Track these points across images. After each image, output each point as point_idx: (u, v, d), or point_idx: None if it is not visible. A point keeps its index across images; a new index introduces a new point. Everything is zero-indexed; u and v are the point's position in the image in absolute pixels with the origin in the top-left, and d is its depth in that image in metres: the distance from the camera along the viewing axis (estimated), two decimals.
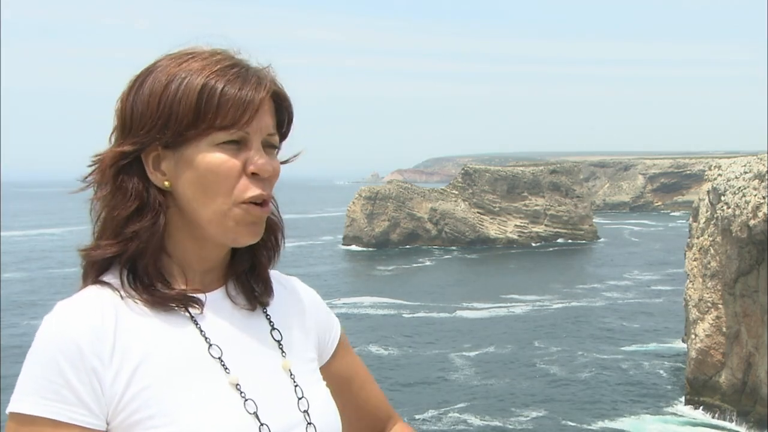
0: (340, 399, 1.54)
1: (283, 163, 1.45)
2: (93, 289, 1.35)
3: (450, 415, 33.46)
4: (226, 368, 1.36)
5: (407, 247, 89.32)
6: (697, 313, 33.52)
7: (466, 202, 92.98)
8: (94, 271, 1.37)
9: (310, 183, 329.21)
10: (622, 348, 44.33)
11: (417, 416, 33.02)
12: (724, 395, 32.56)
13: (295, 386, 1.44)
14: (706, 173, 35.79)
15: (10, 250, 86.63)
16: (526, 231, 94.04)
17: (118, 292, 1.34)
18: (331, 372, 1.58)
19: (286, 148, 1.47)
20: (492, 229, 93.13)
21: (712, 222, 32.47)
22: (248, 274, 1.48)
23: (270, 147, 1.39)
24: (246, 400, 1.35)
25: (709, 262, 32.78)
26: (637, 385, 37.64)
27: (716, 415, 32.55)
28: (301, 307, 1.57)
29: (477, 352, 43.66)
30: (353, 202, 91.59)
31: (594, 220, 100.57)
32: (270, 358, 1.44)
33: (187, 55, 1.36)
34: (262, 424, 1.35)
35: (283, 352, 1.46)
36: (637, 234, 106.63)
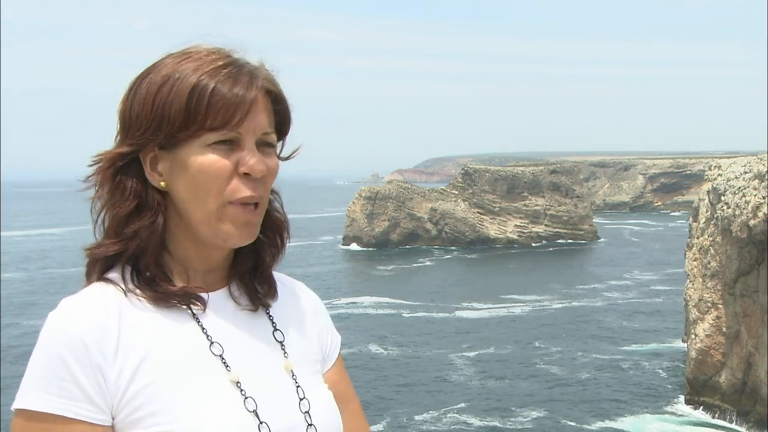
0: None
1: (284, 159, 1.45)
2: (97, 286, 1.36)
3: (450, 415, 33.42)
4: (227, 366, 1.37)
5: (407, 247, 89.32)
6: (697, 313, 33.51)
7: (466, 202, 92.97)
8: (97, 269, 1.39)
9: (310, 183, 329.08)
10: (622, 348, 44.31)
11: (416, 416, 32.99)
12: (724, 395, 32.55)
13: (297, 387, 1.44)
14: (706, 173, 35.78)
15: (10, 250, 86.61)
16: (526, 231, 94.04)
17: (122, 288, 1.35)
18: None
19: (290, 147, 1.47)
20: (492, 229, 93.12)
21: (712, 222, 32.47)
22: (252, 275, 1.48)
23: (266, 146, 1.38)
24: (246, 398, 1.36)
25: (709, 262, 32.77)
26: (637, 385, 37.62)
27: (716, 415, 32.54)
28: (305, 312, 1.58)
29: (477, 352, 43.64)
30: (353, 202, 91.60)
31: (594, 220, 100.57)
32: (272, 359, 1.45)
33: (185, 54, 1.36)
34: (261, 422, 1.35)
35: (285, 353, 1.47)
36: (637, 234, 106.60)
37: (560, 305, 57.12)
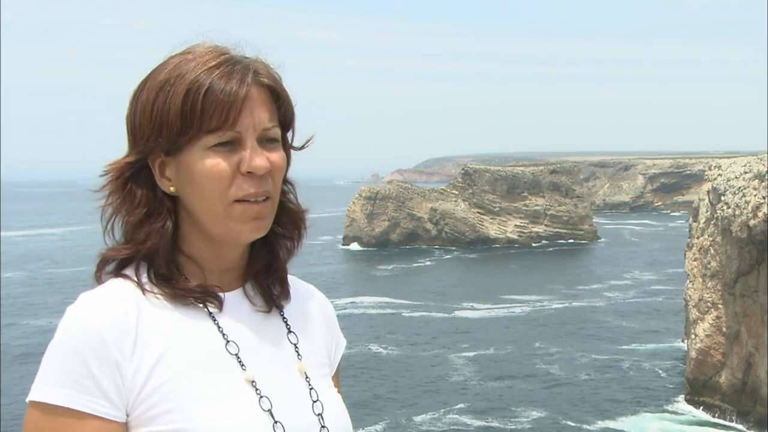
0: None
1: (298, 149, 1.46)
2: (116, 282, 1.37)
3: (449, 415, 33.42)
4: (243, 365, 1.38)
5: (407, 247, 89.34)
6: (697, 313, 33.52)
7: (466, 202, 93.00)
8: (109, 269, 1.40)
9: (310, 183, 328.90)
10: (622, 348, 44.32)
11: (416, 417, 32.98)
12: (724, 395, 32.57)
13: (310, 389, 1.45)
14: (706, 173, 35.79)
15: (10, 250, 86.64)
16: (526, 231, 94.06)
17: (140, 285, 1.36)
18: None
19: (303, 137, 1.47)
20: (492, 229, 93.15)
21: (712, 222, 32.48)
22: (266, 275, 1.49)
23: (269, 141, 1.38)
24: (261, 397, 1.36)
25: (709, 262, 32.78)
26: (637, 385, 37.62)
27: (716, 415, 32.55)
28: (316, 315, 1.60)
29: (477, 352, 43.64)
30: (353, 202, 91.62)
31: (594, 220, 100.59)
32: (286, 360, 1.46)
33: (183, 56, 1.37)
34: (276, 422, 1.36)
35: (299, 355, 1.48)
36: (637, 234, 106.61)
37: (560, 305, 57.13)
